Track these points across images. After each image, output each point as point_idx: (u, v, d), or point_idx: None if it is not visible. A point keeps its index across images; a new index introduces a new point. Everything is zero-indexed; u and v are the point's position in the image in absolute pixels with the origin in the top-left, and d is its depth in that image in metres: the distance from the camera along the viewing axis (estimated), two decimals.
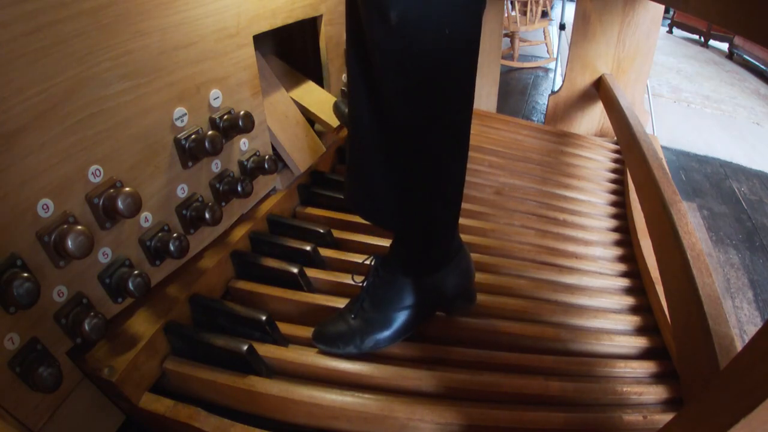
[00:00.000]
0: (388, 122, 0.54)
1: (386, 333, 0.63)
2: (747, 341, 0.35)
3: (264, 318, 0.64)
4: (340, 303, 0.71)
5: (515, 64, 3.09)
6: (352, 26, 0.53)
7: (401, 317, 0.63)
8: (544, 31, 3.23)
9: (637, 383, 0.67)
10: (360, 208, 0.62)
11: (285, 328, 0.67)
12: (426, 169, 0.56)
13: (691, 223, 0.75)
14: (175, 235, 0.62)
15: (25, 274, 0.45)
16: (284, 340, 0.66)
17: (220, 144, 0.64)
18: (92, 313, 0.52)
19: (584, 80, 1.57)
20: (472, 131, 0.60)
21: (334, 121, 1.04)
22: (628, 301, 0.85)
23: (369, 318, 0.63)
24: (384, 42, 0.48)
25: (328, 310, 0.71)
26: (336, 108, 1.02)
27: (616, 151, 1.48)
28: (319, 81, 1.08)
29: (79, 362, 0.55)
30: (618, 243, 1.04)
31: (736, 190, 1.76)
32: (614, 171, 1.37)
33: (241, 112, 0.70)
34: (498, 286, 0.82)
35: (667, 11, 4.43)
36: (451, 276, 0.65)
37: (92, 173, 0.53)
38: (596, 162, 1.39)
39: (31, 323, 0.49)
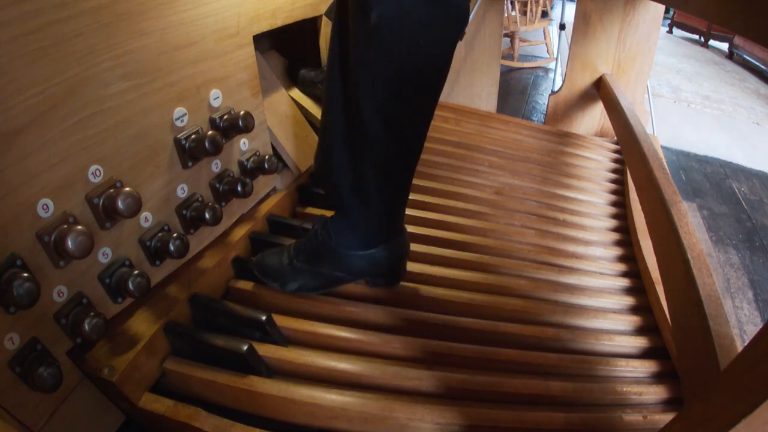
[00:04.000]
0: (354, 113, 0.59)
1: (309, 283, 0.71)
2: (747, 341, 0.35)
3: (264, 318, 0.64)
4: (340, 303, 0.71)
5: (515, 64, 3.09)
6: (341, 15, 0.57)
7: (325, 275, 0.71)
8: (544, 31, 3.23)
9: (637, 383, 0.67)
10: (321, 178, 0.68)
11: (284, 324, 0.67)
12: (376, 162, 0.61)
13: (691, 223, 0.75)
14: (175, 235, 0.62)
15: (25, 274, 0.45)
16: (284, 340, 0.66)
17: (220, 144, 0.64)
18: (92, 313, 0.52)
19: (584, 80, 1.57)
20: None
21: None
22: (628, 301, 0.85)
23: (299, 267, 0.71)
24: (361, 38, 0.52)
25: (328, 309, 0.71)
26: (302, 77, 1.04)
27: (616, 151, 1.48)
28: None
29: (79, 362, 0.55)
30: (618, 243, 1.05)
31: (736, 190, 1.76)
32: (614, 171, 1.37)
33: (241, 112, 0.70)
34: (498, 286, 0.82)
35: (667, 11, 4.42)
36: (378, 258, 0.69)
37: (92, 173, 0.53)
38: (596, 162, 1.39)
39: (31, 323, 0.49)
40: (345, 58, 0.57)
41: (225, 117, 0.70)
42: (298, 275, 0.70)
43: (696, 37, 4.61)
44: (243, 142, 0.78)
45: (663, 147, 1.78)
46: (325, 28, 1.01)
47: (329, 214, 0.91)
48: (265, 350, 0.62)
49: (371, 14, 0.48)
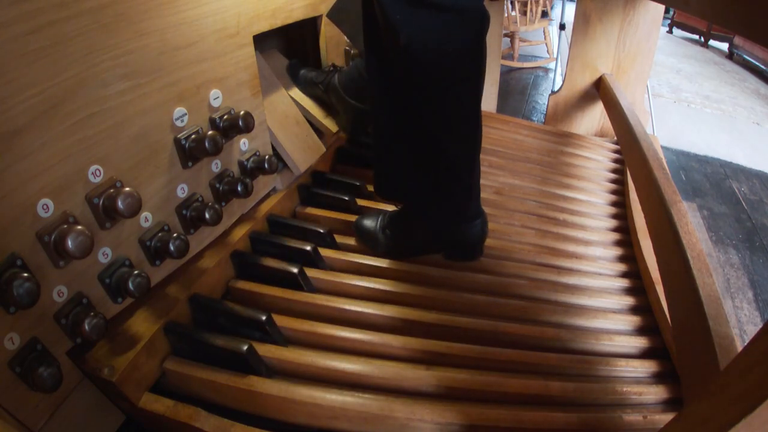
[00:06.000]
0: (403, 120, 0.67)
1: (394, 250, 0.81)
2: (747, 341, 0.35)
3: (264, 318, 0.64)
4: (341, 303, 0.71)
5: (515, 64, 3.09)
6: (370, 30, 0.64)
7: (408, 245, 0.81)
8: (544, 31, 3.23)
9: (637, 383, 0.67)
10: (386, 193, 0.79)
11: (284, 324, 0.67)
12: (434, 154, 0.68)
13: (691, 223, 0.75)
14: (175, 235, 0.62)
15: (25, 274, 0.45)
16: (284, 340, 0.66)
17: (220, 144, 0.64)
18: (92, 313, 0.52)
19: (584, 80, 1.57)
20: None
21: (334, 126, 1.04)
22: (628, 301, 0.85)
23: (388, 237, 0.81)
24: (397, 58, 0.59)
25: (327, 309, 0.71)
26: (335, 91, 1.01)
27: (616, 151, 1.48)
28: None
29: (79, 362, 0.55)
30: (618, 243, 1.04)
31: (736, 190, 1.76)
32: (614, 171, 1.37)
33: (241, 112, 0.70)
34: (498, 286, 0.82)
35: (667, 11, 4.42)
36: (457, 234, 0.78)
37: (92, 173, 0.53)
38: (596, 162, 1.39)
39: (31, 323, 0.49)
40: (386, 77, 0.65)
41: (225, 117, 0.70)
42: (387, 243, 0.81)
43: (696, 37, 4.61)
44: (243, 142, 0.78)
45: (663, 147, 1.78)
46: (325, 28, 1.01)
47: (331, 215, 0.92)
48: (265, 350, 0.62)
49: (400, 36, 0.55)
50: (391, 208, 0.90)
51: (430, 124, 0.65)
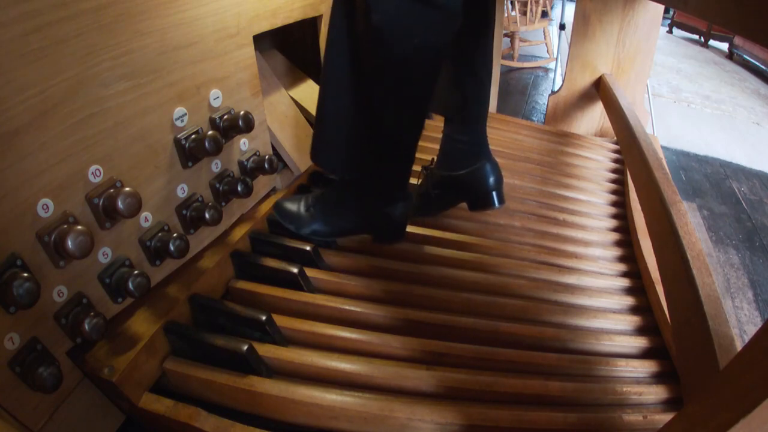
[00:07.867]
0: (357, 90, 0.67)
1: (321, 229, 0.80)
2: (747, 341, 0.35)
3: (264, 318, 0.64)
4: (340, 303, 0.71)
5: (515, 64, 3.09)
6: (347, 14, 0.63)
7: (336, 225, 0.80)
8: (544, 31, 3.23)
9: (637, 383, 0.67)
10: (322, 160, 0.76)
11: (284, 324, 0.67)
12: (383, 132, 0.69)
13: (691, 223, 0.75)
14: (175, 235, 0.62)
15: (25, 274, 0.45)
16: (284, 340, 0.66)
17: (221, 144, 0.64)
18: (92, 313, 0.52)
19: (584, 80, 1.57)
20: None
21: None
22: (628, 301, 0.85)
23: (314, 215, 0.80)
24: (365, 34, 0.60)
25: (328, 309, 0.71)
26: None
27: (616, 151, 1.48)
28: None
29: (79, 362, 0.55)
30: (618, 243, 1.04)
31: (736, 190, 1.76)
32: (614, 171, 1.37)
33: (241, 112, 0.70)
34: (498, 286, 0.82)
35: (667, 11, 4.43)
36: (384, 216, 0.77)
37: (92, 173, 0.53)
38: (596, 162, 1.39)
39: (31, 323, 0.49)
40: (352, 46, 0.65)
41: (225, 117, 0.70)
42: (313, 222, 0.79)
43: (696, 37, 4.61)
44: (243, 142, 0.78)
45: (663, 147, 1.78)
46: (325, 28, 1.01)
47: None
48: (265, 350, 0.62)
49: (372, 16, 0.55)
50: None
51: (382, 102, 0.65)
